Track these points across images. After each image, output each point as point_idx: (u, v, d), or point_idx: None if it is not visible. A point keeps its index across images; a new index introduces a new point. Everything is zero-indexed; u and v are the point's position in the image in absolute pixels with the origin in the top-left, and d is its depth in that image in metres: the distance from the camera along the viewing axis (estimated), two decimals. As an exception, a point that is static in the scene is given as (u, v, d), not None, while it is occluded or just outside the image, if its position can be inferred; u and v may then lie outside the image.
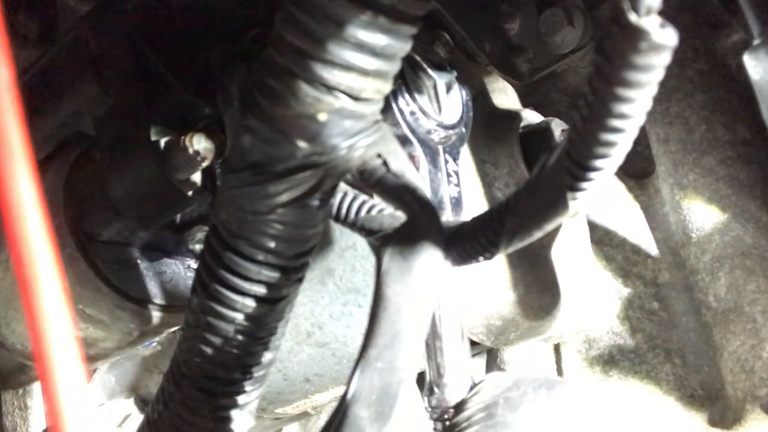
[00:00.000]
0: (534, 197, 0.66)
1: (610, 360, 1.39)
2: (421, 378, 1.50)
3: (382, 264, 0.67)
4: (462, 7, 1.11)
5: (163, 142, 0.98)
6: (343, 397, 0.64)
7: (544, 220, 0.65)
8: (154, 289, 1.05)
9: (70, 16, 1.07)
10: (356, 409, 0.63)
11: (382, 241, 0.71)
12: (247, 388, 0.78)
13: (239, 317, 0.73)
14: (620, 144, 0.57)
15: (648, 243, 1.41)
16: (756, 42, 1.10)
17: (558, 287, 1.15)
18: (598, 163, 0.59)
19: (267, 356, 0.77)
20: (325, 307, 1.14)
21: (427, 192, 0.72)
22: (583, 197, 0.62)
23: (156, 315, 1.04)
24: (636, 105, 0.54)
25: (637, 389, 1.38)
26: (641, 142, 1.37)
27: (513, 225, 0.67)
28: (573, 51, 1.18)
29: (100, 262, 1.01)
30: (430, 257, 0.67)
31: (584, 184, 0.61)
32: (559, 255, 1.16)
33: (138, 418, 1.38)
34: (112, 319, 1.02)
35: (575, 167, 0.60)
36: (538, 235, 0.67)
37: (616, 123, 0.55)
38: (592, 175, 0.60)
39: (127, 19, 1.00)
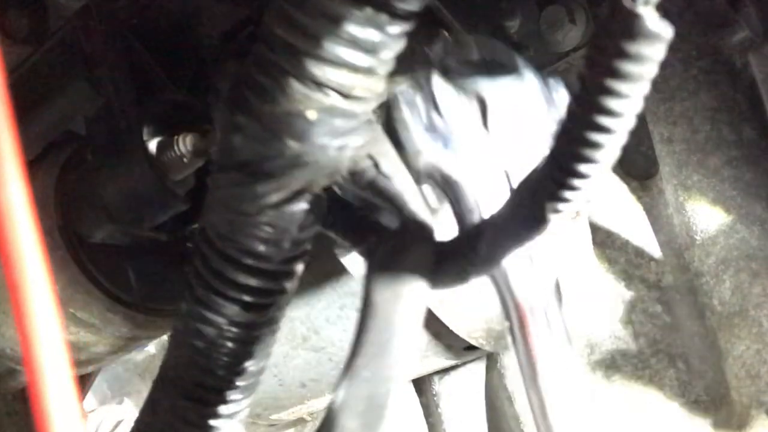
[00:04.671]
0: (512, 210, 0.63)
1: (613, 364, 1.38)
2: (419, 385, 1.51)
3: (372, 270, 0.66)
4: (461, 3, 1.10)
5: (155, 142, 0.98)
6: (330, 407, 0.63)
7: (520, 237, 0.63)
8: (146, 292, 1.05)
9: (61, 14, 1.07)
10: (343, 419, 0.62)
11: (372, 246, 0.70)
12: (237, 396, 0.76)
13: (228, 324, 0.72)
14: (607, 146, 0.54)
15: (651, 245, 1.40)
16: (762, 40, 1.10)
17: (559, 290, 1.13)
18: (582, 167, 0.55)
19: (257, 364, 0.76)
20: (322, 311, 1.13)
21: (418, 195, 0.71)
22: (567, 210, 0.59)
23: (148, 319, 1.04)
24: (626, 101, 0.51)
25: (639, 394, 1.37)
26: (644, 142, 1.37)
27: (488, 245, 0.65)
28: (575, 49, 1.17)
29: (92, 264, 1.01)
30: (421, 263, 0.66)
31: (568, 194, 0.58)
32: (560, 257, 1.15)
33: (130, 423, 1.38)
34: (103, 322, 1.02)
35: (558, 172, 0.57)
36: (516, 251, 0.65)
37: (603, 120, 0.52)
38: (576, 182, 0.57)
39: (119, 17, 1.00)
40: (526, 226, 0.62)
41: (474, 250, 0.66)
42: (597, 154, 0.54)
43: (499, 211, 0.65)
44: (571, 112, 0.55)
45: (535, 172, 0.60)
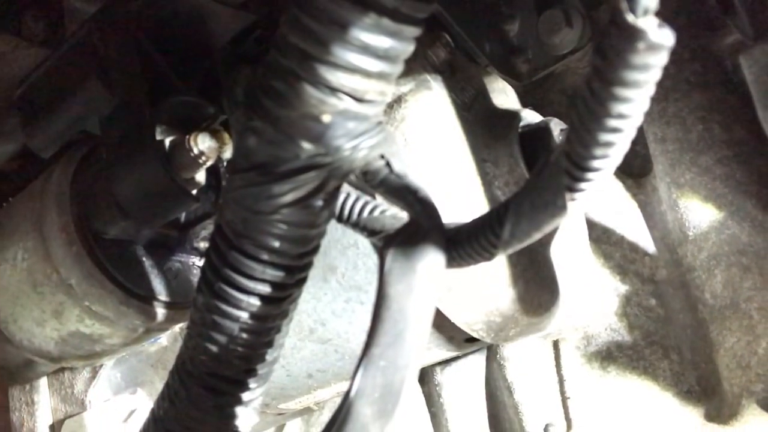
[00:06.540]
0: (533, 199, 0.65)
1: (609, 356, 1.39)
2: (422, 376, 1.52)
3: (385, 264, 0.67)
4: (462, 8, 1.11)
5: (167, 141, 0.99)
6: (347, 394, 0.64)
7: (542, 222, 0.65)
8: (158, 286, 1.06)
9: (76, 17, 1.07)
10: (360, 406, 0.63)
11: (384, 241, 0.71)
12: (252, 385, 0.78)
13: (244, 316, 0.73)
14: (618, 144, 0.58)
15: (645, 241, 1.41)
16: (752, 43, 1.10)
17: (557, 284, 1.15)
18: (596, 163, 0.59)
19: (271, 354, 0.77)
20: (328, 304, 1.15)
21: (428, 193, 0.73)
22: (582, 198, 0.62)
23: (161, 312, 1.05)
24: (634, 105, 0.55)
25: (634, 385, 1.38)
26: (639, 141, 1.38)
27: (512, 227, 0.67)
28: (571, 52, 1.19)
29: (106, 259, 1.02)
30: (432, 257, 0.68)
31: (583, 185, 0.61)
32: (558, 252, 1.16)
33: (143, 413, 1.38)
34: (117, 315, 1.02)
35: (574, 168, 0.60)
36: (537, 236, 0.67)
37: (614, 123, 0.56)
38: (590, 175, 0.60)
39: (133, 21, 1.00)
40: (546, 213, 0.65)
41: (496, 234, 0.68)
42: (609, 151, 0.58)
43: (520, 200, 0.67)
44: (583, 116, 0.57)
45: (552, 164, 0.63)
